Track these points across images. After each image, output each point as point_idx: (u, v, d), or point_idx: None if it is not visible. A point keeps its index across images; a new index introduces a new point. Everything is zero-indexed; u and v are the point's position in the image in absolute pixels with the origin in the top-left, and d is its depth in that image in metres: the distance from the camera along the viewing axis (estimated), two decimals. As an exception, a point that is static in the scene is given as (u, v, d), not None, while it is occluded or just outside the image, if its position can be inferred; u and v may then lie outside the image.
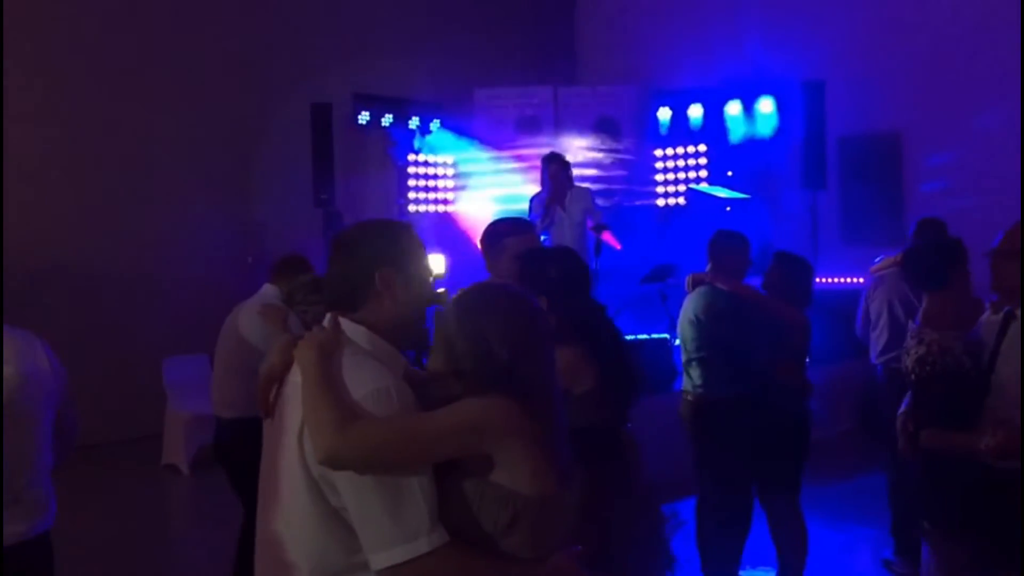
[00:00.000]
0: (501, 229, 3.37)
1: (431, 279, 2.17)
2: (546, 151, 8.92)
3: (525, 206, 8.78)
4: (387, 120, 10.20)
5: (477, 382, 1.93)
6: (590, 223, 8.06)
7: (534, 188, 9.07)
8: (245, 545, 4.46)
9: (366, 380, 1.91)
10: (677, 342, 8.04)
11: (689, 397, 4.64)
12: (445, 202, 10.51)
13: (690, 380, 4.63)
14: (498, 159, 10.16)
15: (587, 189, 8.31)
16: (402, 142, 10.39)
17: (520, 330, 1.96)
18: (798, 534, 4.58)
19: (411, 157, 10.46)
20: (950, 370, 3.35)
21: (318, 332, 2.00)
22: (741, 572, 4.74)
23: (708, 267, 4.63)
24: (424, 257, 2.15)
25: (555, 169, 7.96)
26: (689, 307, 4.62)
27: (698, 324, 4.54)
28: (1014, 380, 3.05)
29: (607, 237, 8.09)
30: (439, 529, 1.82)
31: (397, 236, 2.12)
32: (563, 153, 8.50)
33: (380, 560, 1.81)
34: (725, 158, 10.39)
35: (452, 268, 8.68)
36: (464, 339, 1.95)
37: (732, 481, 4.53)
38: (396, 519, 1.81)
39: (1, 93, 8.07)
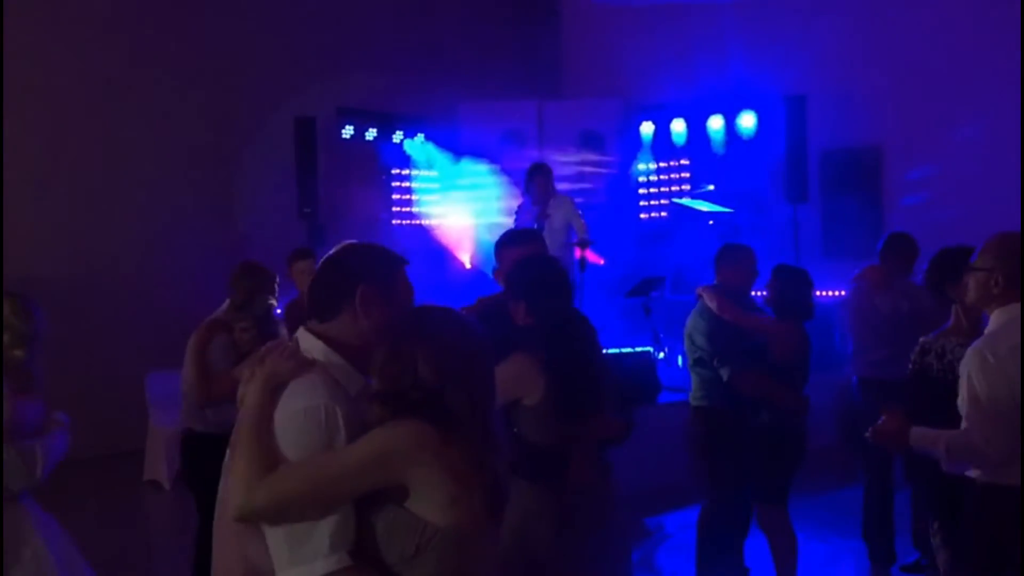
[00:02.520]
0: (505, 240, 3.43)
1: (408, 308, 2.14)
2: (530, 165, 8.94)
3: (509, 220, 8.79)
4: (371, 134, 10.21)
5: (403, 406, 1.89)
6: (574, 237, 8.06)
7: (517, 201, 9.11)
8: (202, 549, 4.47)
9: (298, 399, 1.92)
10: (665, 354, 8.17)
11: (691, 406, 4.77)
12: (429, 215, 10.52)
13: (691, 391, 4.76)
14: (482, 173, 10.18)
15: (569, 198, 8.31)
16: (386, 156, 10.40)
17: (453, 356, 1.92)
18: (787, 546, 4.60)
19: (395, 171, 10.47)
20: (933, 372, 3.45)
21: (275, 359, 1.97)
22: None
23: (716, 280, 4.73)
24: (410, 296, 2.14)
25: (541, 180, 7.98)
26: (688, 321, 4.74)
27: (687, 338, 4.69)
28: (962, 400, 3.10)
29: (588, 254, 8.09)
30: (339, 553, 1.82)
31: (384, 259, 2.12)
32: (544, 162, 8.49)
33: None
34: (708, 172, 10.45)
35: (435, 281, 8.67)
36: (395, 362, 1.91)
37: (723, 491, 4.57)
38: (298, 544, 1.83)
39: (1, 95, 8.03)
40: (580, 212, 8.20)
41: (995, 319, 3.11)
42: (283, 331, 4.46)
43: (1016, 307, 3.05)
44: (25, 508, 3.28)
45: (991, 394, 2.95)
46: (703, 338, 4.56)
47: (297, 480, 1.82)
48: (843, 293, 9.30)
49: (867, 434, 3.22)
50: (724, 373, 4.45)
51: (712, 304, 4.52)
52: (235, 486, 1.85)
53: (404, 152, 10.51)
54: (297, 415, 1.90)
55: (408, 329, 1.96)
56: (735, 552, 4.69)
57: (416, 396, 1.88)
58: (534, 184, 8.00)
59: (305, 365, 1.97)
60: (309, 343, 2.04)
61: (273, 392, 1.94)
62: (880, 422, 3.18)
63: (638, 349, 7.81)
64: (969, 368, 3.01)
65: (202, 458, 4.39)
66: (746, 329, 4.49)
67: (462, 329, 1.99)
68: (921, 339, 3.64)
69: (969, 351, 3.04)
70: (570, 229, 8.10)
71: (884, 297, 5.22)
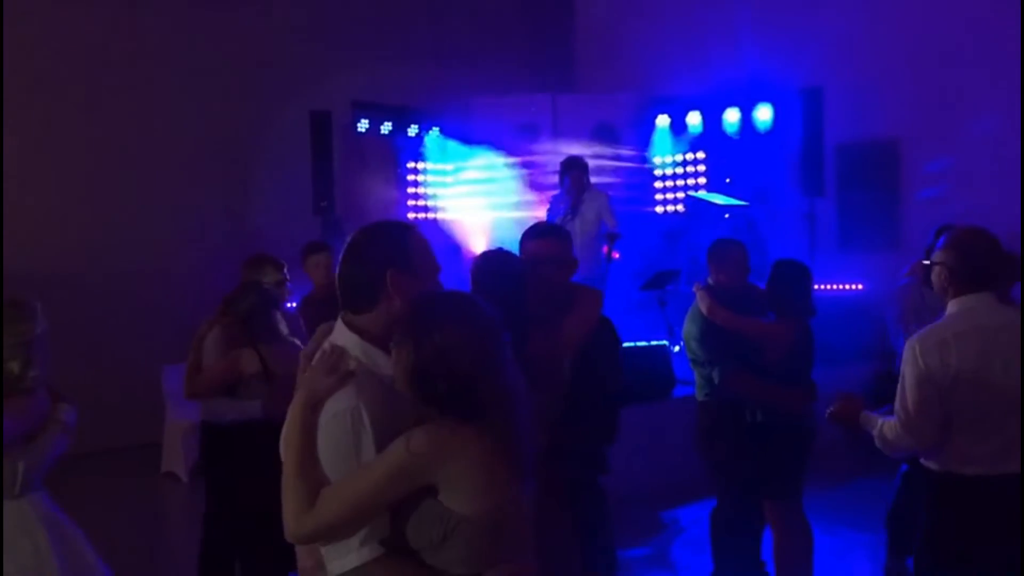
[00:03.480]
0: (525, 234, 3.42)
1: (437, 277, 2.19)
2: (544, 159, 8.91)
3: (522, 214, 8.79)
4: (386, 128, 10.22)
5: (444, 406, 1.91)
6: (604, 229, 8.06)
7: (531, 195, 9.10)
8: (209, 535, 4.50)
9: (331, 404, 1.98)
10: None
11: (697, 401, 4.79)
12: (444, 209, 10.52)
13: (696, 386, 4.78)
14: (496, 166, 10.18)
15: (604, 193, 8.32)
16: (401, 149, 10.41)
17: (478, 343, 1.93)
18: (798, 542, 4.57)
19: (410, 164, 10.48)
20: None
21: (313, 376, 2.01)
22: None
23: (709, 276, 4.69)
24: (430, 256, 2.18)
25: (576, 174, 7.99)
26: (684, 321, 4.76)
27: (684, 339, 4.73)
28: None
29: (606, 248, 8.09)
30: (370, 543, 1.92)
31: (402, 237, 2.15)
32: (580, 157, 8.45)
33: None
34: (723, 165, 10.41)
35: (451, 275, 8.67)
36: (423, 359, 1.91)
37: (729, 485, 4.59)
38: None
39: (1, 94, 8.08)
40: (612, 207, 8.20)
41: (947, 311, 3.23)
42: (283, 326, 4.44)
43: (965, 300, 3.15)
44: (30, 501, 3.29)
45: (916, 389, 3.09)
46: (695, 342, 4.58)
47: (338, 505, 1.89)
48: (860, 287, 9.32)
49: (826, 414, 3.42)
50: (715, 376, 4.47)
51: (703, 306, 4.51)
52: (285, 511, 1.94)
53: (419, 146, 10.52)
54: (328, 421, 1.97)
55: (426, 322, 1.94)
56: (749, 547, 4.66)
57: (453, 393, 1.90)
58: (568, 178, 8.00)
59: (344, 380, 1.99)
60: (345, 338, 2.09)
61: (314, 411, 1.99)
62: (837, 405, 3.38)
63: (653, 343, 7.79)
64: (903, 360, 3.16)
65: (213, 448, 4.45)
66: (738, 331, 4.46)
67: (476, 311, 1.98)
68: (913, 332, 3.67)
69: (906, 344, 3.18)
70: (601, 223, 8.10)
71: (932, 292, 5.18)
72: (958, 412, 3.07)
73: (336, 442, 1.95)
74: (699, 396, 4.71)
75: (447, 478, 1.87)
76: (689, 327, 4.63)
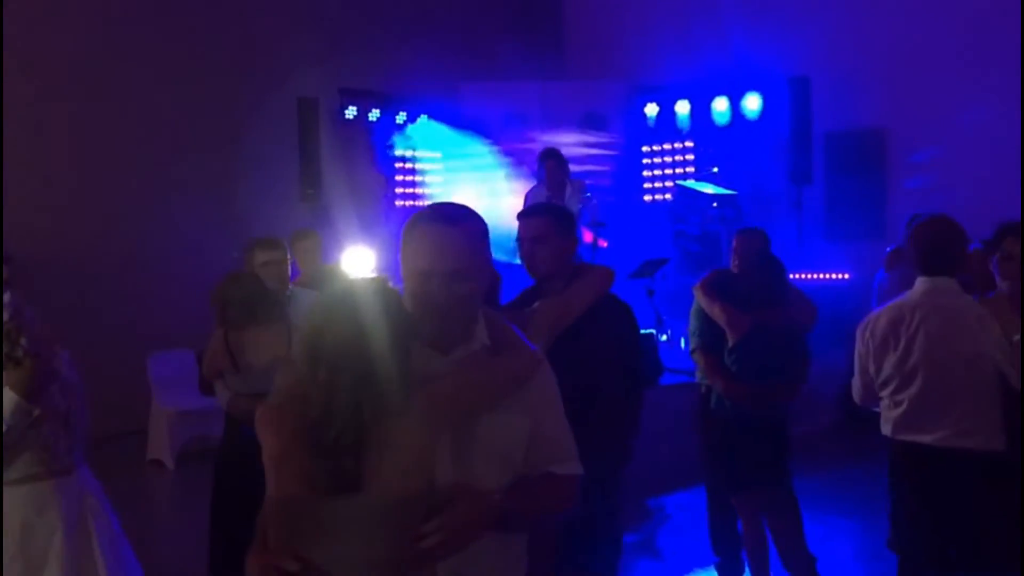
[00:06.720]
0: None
1: (419, 274, 2.08)
2: (532, 146, 8.86)
3: (511, 201, 8.77)
4: (374, 115, 10.19)
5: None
6: (587, 218, 8.02)
7: (520, 182, 9.07)
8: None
9: None
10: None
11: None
12: (432, 196, 10.50)
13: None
14: (484, 153, 10.16)
15: (581, 182, 8.28)
16: (389, 136, 10.38)
17: (307, 333, 1.90)
18: (781, 525, 4.60)
19: (398, 152, 10.44)
20: None
21: None
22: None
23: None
24: (414, 253, 2.11)
25: (552, 165, 7.88)
26: None
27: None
28: None
29: (591, 236, 8.08)
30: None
31: (406, 229, 2.16)
32: (556, 148, 8.40)
33: None
34: (711, 153, 10.42)
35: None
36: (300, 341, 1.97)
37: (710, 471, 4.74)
38: None
39: (1, 92, 8.01)
40: (592, 196, 8.15)
41: None
42: (278, 308, 4.29)
43: (917, 281, 3.39)
44: (52, 484, 3.29)
45: (856, 360, 3.53)
46: (692, 316, 4.64)
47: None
48: (846, 276, 9.36)
49: None
50: (691, 345, 4.57)
51: (703, 289, 4.56)
52: None
53: (407, 133, 10.49)
54: None
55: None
56: (726, 530, 4.75)
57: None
58: (544, 170, 7.94)
59: None
60: None
61: None
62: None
63: (641, 331, 7.77)
64: None
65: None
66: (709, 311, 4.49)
67: (333, 308, 1.90)
68: None
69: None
70: (583, 213, 8.05)
71: (889, 278, 5.26)
72: (882, 383, 3.44)
73: None
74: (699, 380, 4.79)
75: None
76: (694, 305, 4.68)
